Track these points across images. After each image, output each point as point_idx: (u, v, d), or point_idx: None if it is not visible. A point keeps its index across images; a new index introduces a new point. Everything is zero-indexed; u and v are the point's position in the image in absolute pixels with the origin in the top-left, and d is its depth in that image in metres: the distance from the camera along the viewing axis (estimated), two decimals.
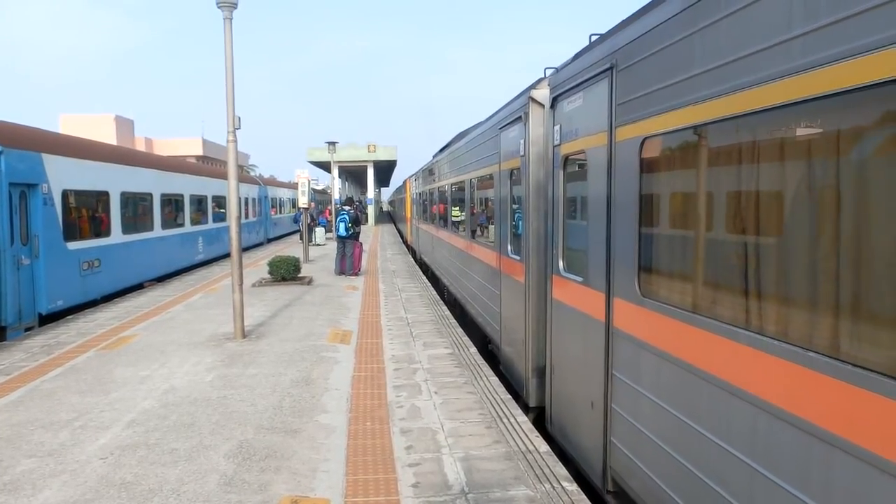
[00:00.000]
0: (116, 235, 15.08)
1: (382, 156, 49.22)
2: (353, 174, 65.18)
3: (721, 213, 3.43)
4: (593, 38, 5.23)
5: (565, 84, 5.62)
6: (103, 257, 14.27)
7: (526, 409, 6.95)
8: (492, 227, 9.21)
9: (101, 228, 14.45)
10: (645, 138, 4.03)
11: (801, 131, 2.81)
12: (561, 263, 5.88)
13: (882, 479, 2.24)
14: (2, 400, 6.86)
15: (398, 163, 57.22)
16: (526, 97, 6.72)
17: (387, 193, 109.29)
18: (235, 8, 9.36)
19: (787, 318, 2.82)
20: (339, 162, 44.05)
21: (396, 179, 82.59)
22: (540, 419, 6.67)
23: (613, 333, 4.56)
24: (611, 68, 4.55)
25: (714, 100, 3.23)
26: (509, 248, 7.81)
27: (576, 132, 5.42)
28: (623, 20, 4.58)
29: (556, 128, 5.91)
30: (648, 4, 4.14)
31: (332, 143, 32.83)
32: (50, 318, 11.91)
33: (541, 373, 6.67)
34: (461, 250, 12.19)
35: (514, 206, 7.66)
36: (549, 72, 6.41)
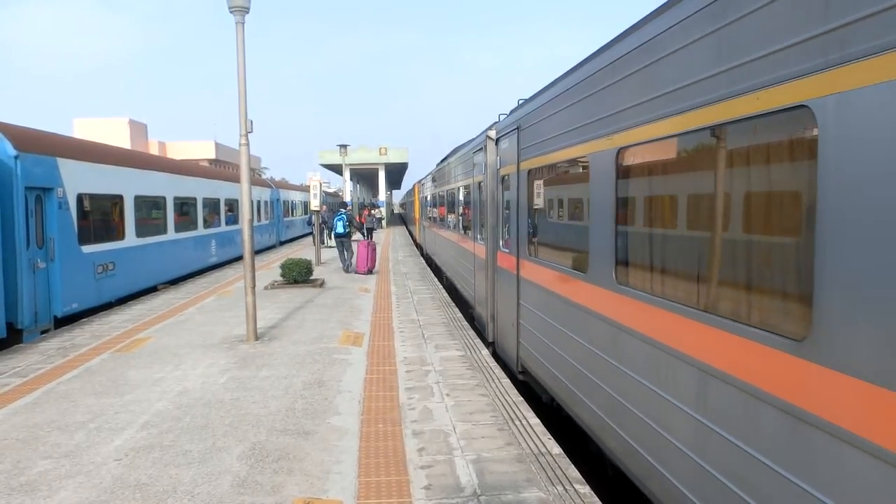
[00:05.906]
0: (130, 238, 15.21)
1: (394, 158, 49.22)
2: (364, 177, 65.29)
3: (548, 209, 6.81)
4: (520, 101, 8.12)
5: (502, 131, 8.93)
6: (117, 260, 14.39)
7: (487, 343, 10.01)
8: (471, 224, 12.40)
9: (115, 232, 14.57)
10: (529, 170, 7.28)
11: (570, 174, 6.07)
12: (500, 242, 9.17)
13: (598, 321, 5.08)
14: (18, 402, 6.94)
15: (410, 165, 57.26)
16: (485, 135, 9.86)
17: (398, 195, 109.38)
18: (247, 13, 9.41)
19: (567, 257, 5.97)
20: (350, 165, 44.17)
21: (408, 182, 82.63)
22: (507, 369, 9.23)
23: (520, 279, 7.79)
24: (518, 128, 7.76)
25: (546, 154, 6.55)
26: (478, 236, 11.15)
27: (506, 162, 8.61)
28: (525, 99, 7.79)
29: (498, 158, 9.25)
30: (533, 95, 7.31)
31: (344, 146, 32.95)
32: (65, 321, 12.04)
33: (493, 317, 9.83)
34: (453, 242, 15.84)
35: (480, 209, 10.78)
36: (502, 116, 9.32)
